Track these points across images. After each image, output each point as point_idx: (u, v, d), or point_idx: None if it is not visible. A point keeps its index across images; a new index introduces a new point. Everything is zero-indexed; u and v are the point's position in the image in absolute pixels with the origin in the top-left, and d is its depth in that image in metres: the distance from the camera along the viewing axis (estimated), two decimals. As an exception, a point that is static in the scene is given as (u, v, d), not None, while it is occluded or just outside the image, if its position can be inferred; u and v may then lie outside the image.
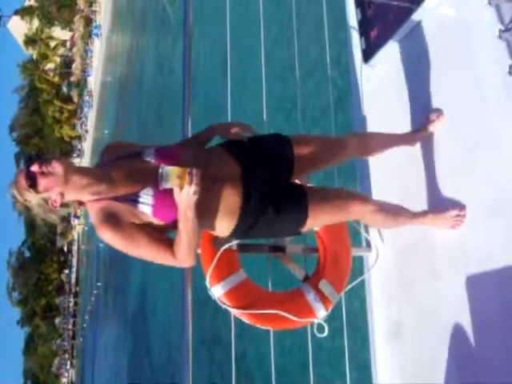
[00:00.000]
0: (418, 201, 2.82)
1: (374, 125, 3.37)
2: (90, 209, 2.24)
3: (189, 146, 2.52)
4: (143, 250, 2.25)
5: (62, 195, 2.17)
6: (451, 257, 2.62)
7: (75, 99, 76.12)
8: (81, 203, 2.27)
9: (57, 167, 2.13)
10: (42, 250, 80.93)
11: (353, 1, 3.48)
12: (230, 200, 2.33)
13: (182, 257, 2.23)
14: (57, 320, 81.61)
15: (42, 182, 2.12)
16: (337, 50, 3.68)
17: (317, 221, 2.50)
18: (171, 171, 2.08)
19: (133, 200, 2.21)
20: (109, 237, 2.20)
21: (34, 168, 2.13)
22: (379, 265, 3.07)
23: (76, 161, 76.84)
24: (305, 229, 2.48)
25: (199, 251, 2.80)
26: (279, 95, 8.77)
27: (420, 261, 2.84)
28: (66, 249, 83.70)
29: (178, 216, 2.18)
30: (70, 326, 78.38)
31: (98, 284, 47.79)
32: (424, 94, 2.86)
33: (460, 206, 2.58)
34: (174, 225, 2.22)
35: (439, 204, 2.70)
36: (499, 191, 2.39)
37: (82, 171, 2.22)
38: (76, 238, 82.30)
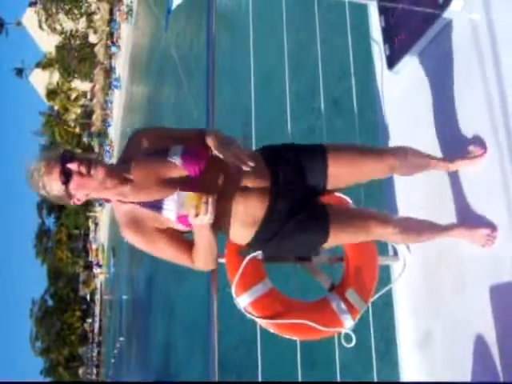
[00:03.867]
0: (448, 216, 2.76)
1: (398, 133, 3.34)
2: (115, 208, 2.27)
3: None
4: (163, 254, 2.31)
5: (87, 195, 2.19)
6: (479, 266, 2.58)
7: (96, 149, 77.24)
8: (106, 200, 2.28)
9: (100, 173, 2.12)
10: (65, 299, 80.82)
11: (376, 8, 3.49)
12: (254, 211, 2.30)
13: (200, 263, 2.30)
14: (80, 370, 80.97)
15: (77, 182, 2.10)
16: (360, 58, 3.67)
17: (337, 240, 2.46)
18: (187, 199, 2.07)
19: (157, 207, 2.21)
20: (131, 238, 2.26)
21: (73, 166, 2.08)
22: (407, 274, 3.02)
23: (98, 209, 77.66)
24: (325, 247, 2.45)
25: (223, 260, 2.80)
26: (302, 108, 8.74)
27: (448, 270, 2.79)
28: (88, 297, 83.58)
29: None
30: (94, 377, 77.63)
31: (121, 339, 47.45)
32: (451, 102, 2.82)
33: (492, 227, 2.51)
34: None
35: (470, 220, 2.63)
36: None
37: (112, 173, 2.19)
38: (99, 286, 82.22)
